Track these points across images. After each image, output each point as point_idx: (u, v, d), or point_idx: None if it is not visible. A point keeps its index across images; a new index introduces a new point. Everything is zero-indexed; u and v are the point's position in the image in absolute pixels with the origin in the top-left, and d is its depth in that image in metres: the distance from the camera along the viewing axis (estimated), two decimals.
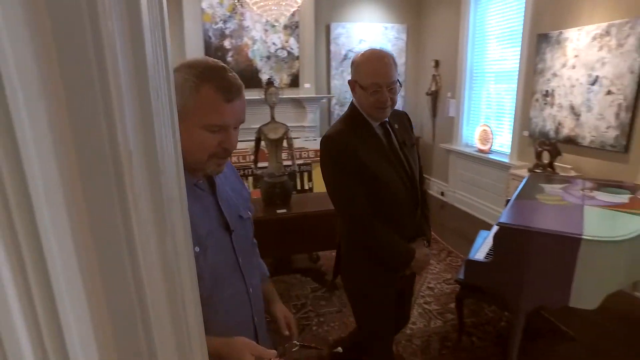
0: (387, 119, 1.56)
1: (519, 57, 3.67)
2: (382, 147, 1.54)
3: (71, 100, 0.28)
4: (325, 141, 1.52)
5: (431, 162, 5.38)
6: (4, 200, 0.26)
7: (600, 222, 1.81)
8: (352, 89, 1.53)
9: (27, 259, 0.28)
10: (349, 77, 1.54)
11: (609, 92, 2.81)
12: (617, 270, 1.68)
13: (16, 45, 0.25)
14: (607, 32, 2.80)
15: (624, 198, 2.09)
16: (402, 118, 1.70)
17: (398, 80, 1.49)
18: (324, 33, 5.18)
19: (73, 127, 0.28)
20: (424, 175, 1.79)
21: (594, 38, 2.89)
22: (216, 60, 0.93)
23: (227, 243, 1.04)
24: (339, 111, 5.29)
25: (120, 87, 0.30)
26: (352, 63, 1.52)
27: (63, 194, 0.29)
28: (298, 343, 1.15)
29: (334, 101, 5.40)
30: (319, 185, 3.48)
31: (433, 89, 5.11)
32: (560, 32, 3.16)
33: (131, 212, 0.32)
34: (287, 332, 1.20)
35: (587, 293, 1.67)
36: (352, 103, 1.58)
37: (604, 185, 2.31)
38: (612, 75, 2.78)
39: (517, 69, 3.71)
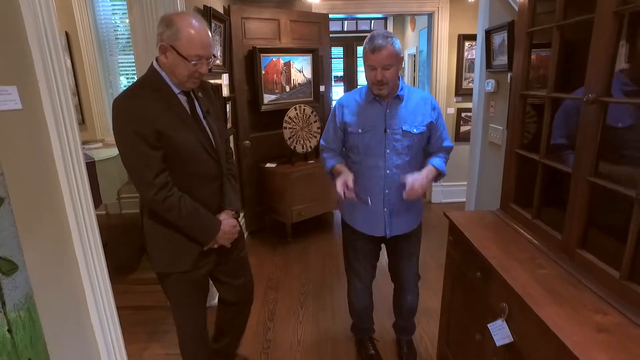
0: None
1: None
2: (185, 115, 1.42)
3: None
4: (118, 105, 1.33)
5: None
6: None
7: None
8: (163, 53, 1.34)
9: None
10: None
11: None
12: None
13: None
14: None
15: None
16: (207, 87, 1.61)
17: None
18: None
19: None
20: (230, 146, 1.73)
21: None
22: (379, 31, 1.58)
23: (382, 136, 1.67)
24: None
25: None
26: (169, 25, 1.31)
27: None
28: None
29: None
30: None
31: None
32: None
33: None
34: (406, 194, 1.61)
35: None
36: (152, 67, 1.40)
37: None
38: None
39: None
